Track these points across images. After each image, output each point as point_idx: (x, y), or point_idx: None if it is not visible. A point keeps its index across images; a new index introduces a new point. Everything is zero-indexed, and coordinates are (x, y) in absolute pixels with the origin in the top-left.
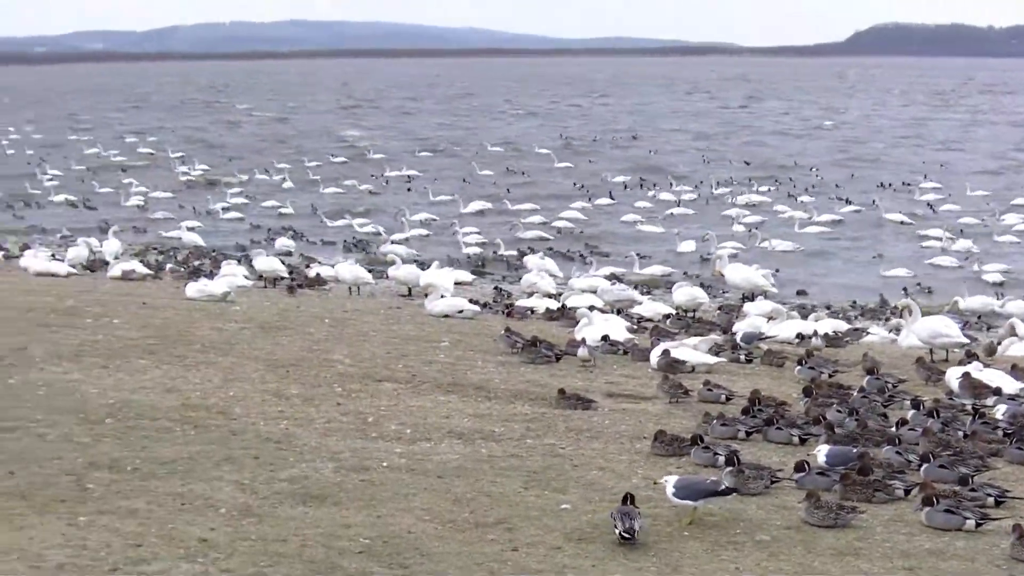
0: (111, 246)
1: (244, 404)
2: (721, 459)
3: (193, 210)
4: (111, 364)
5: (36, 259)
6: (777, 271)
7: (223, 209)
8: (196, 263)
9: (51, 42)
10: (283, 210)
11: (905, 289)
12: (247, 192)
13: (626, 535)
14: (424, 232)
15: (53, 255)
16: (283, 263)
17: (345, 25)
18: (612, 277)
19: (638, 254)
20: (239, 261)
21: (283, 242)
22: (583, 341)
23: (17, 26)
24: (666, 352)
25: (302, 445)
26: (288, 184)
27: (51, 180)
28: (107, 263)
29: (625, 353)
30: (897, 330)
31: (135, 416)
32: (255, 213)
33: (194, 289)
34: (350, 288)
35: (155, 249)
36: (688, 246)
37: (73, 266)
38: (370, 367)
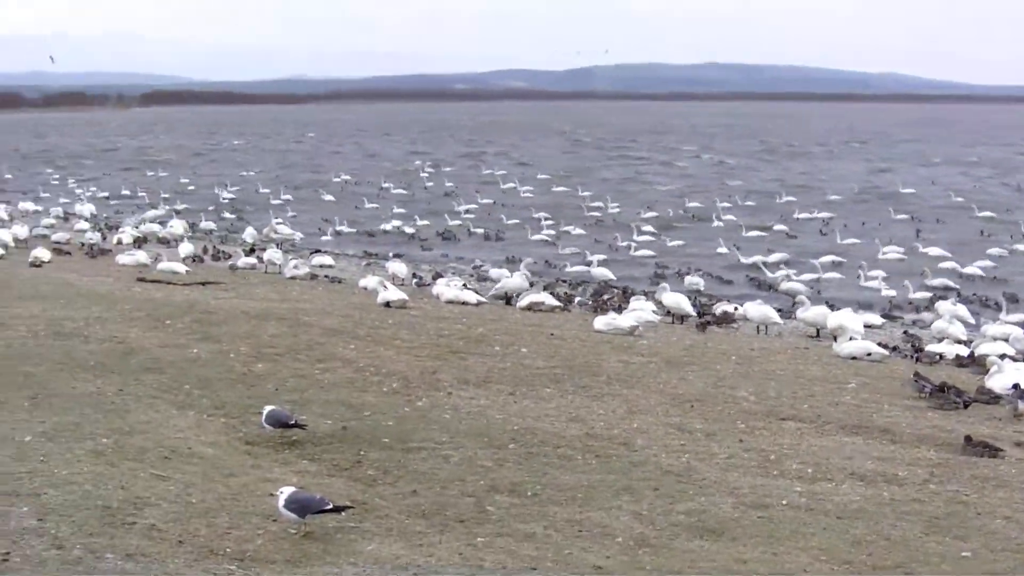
0: (514, 281)
1: (646, 436)
2: None
3: (609, 247)
4: (517, 391)
5: (448, 288)
6: None
7: (633, 246)
8: (605, 297)
9: (473, 79)
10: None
11: None
12: (656, 229)
13: None
14: (834, 275)
15: (464, 284)
16: (690, 300)
17: (762, 69)
18: None
19: None
20: (646, 296)
21: (690, 280)
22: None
23: (441, 64)
24: None
25: (702, 479)
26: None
27: (467, 213)
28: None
29: None
30: None
31: (538, 443)
32: (661, 251)
33: (602, 322)
34: (758, 327)
35: (564, 282)
36: None
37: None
38: (774, 405)
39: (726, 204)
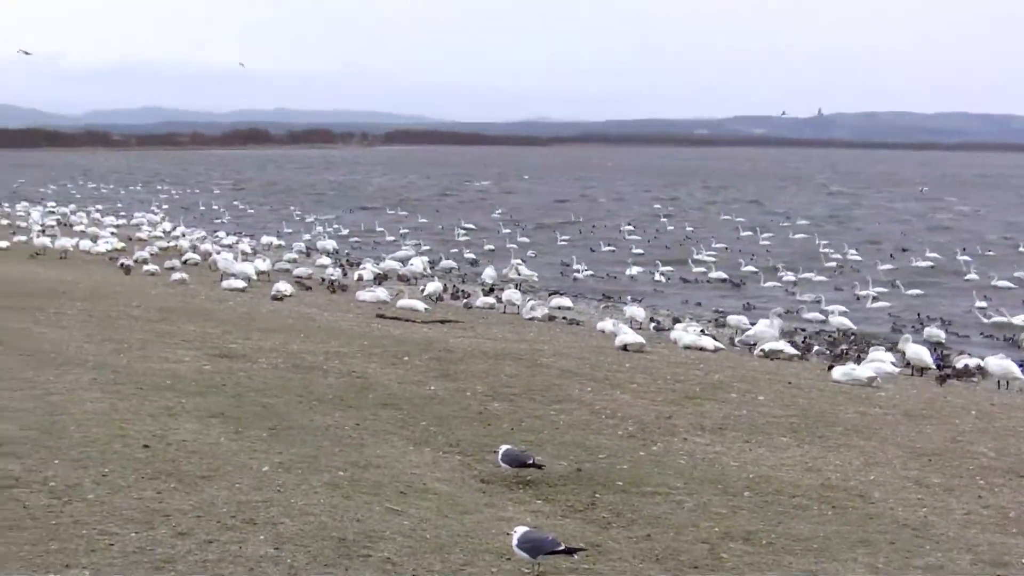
0: (765, 330)
1: (883, 489)
2: None
3: (850, 295)
4: (752, 439)
5: (686, 333)
6: None
7: (872, 297)
8: (842, 347)
9: (713, 125)
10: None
11: None
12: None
13: None
14: None
15: (703, 330)
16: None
17: (1012, 119)
18: None
19: None
20: (887, 348)
21: (931, 331)
22: None
23: (680, 109)
24: None
25: (939, 534)
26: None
27: (705, 258)
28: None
29: None
30: None
31: (773, 491)
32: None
33: (840, 372)
34: (998, 382)
35: (802, 330)
36: None
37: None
38: (1015, 462)
39: (965, 258)
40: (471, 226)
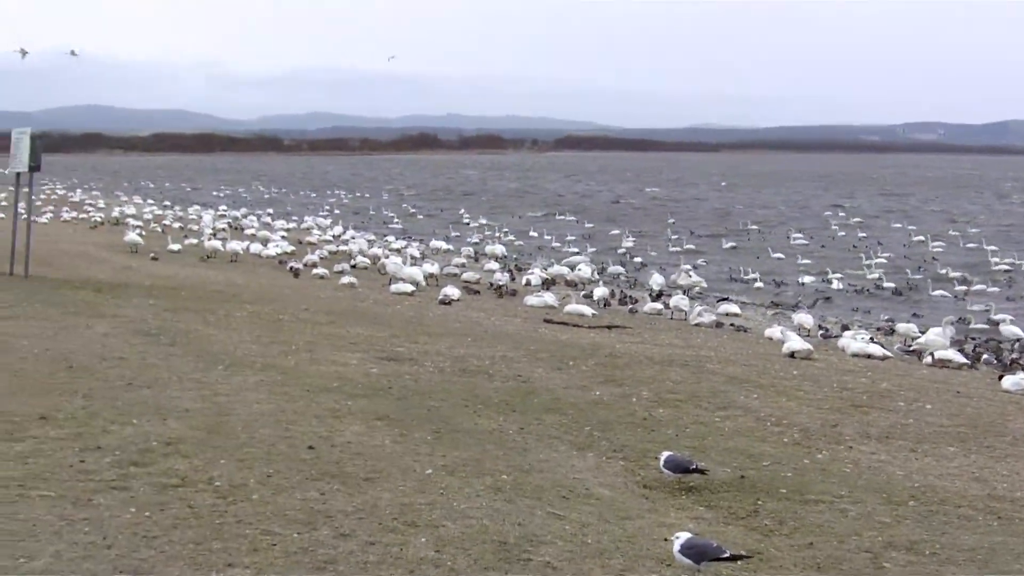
0: (935, 338)
1: None
2: None
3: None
4: (919, 448)
5: (854, 340)
6: None
7: None
8: (1013, 356)
9: (884, 131)
10: None
11: None
12: None
13: None
14: None
15: (871, 338)
16: None
17: None
18: None
19: None
20: None
21: None
22: None
23: (850, 115)
24: None
25: None
26: None
27: (875, 266)
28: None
29: None
30: None
31: (938, 501)
32: None
33: (1011, 382)
34: None
35: (972, 339)
36: None
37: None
38: None
39: None
40: (637, 232)
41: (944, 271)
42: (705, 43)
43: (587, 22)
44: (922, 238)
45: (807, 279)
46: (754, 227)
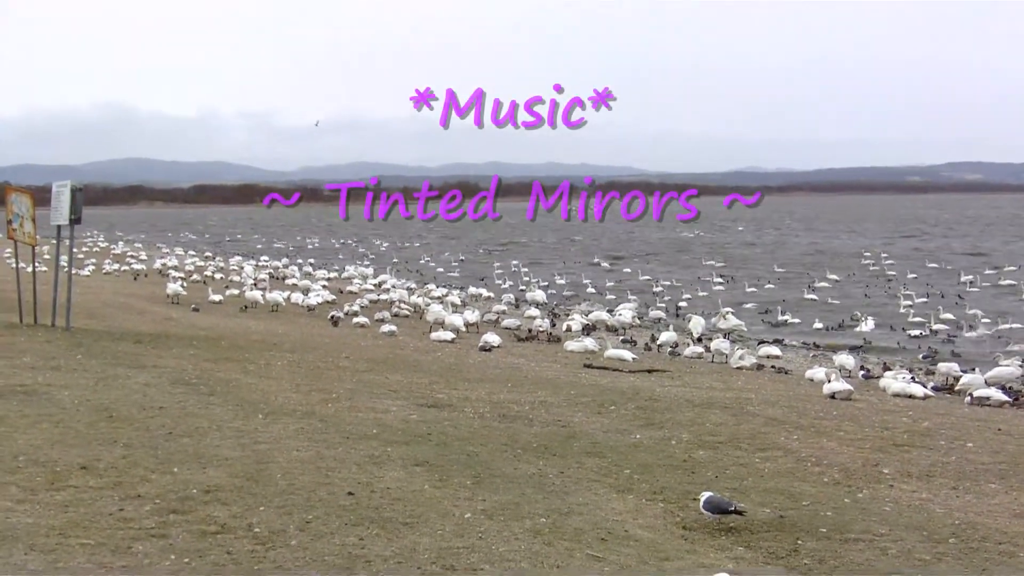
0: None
1: None
2: None
3: None
4: (960, 486)
5: (895, 380)
6: None
7: None
8: None
9: (925, 172)
10: None
11: None
12: None
13: None
14: None
15: (913, 377)
16: None
17: None
18: None
19: None
20: None
21: None
22: None
23: (892, 156)
24: None
25: None
26: None
27: (910, 305)
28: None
29: None
30: None
31: (979, 538)
32: None
33: None
34: None
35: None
36: None
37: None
38: None
39: None
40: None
41: (976, 311)
42: (742, 86)
43: (625, 64)
44: (969, 279)
45: (871, 325)
46: (780, 270)
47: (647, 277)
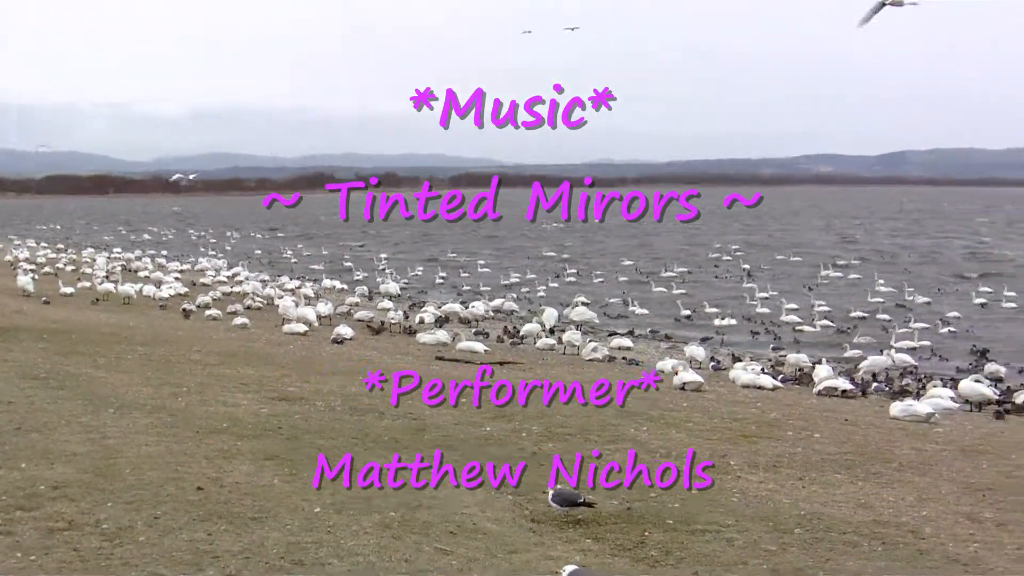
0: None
1: (935, 524)
2: None
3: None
4: (806, 476)
5: (744, 372)
6: None
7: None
8: (903, 383)
9: (780, 164)
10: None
11: None
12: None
13: None
14: None
15: (763, 369)
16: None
17: None
18: None
19: None
20: (944, 384)
21: (992, 367)
22: None
23: (746, 148)
24: None
25: (989, 569)
26: None
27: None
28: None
29: None
30: None
31: (824, 528)
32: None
33: (898, 408)
34: None
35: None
36: None
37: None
38: None
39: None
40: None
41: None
42: (601, 73)
43: (500, 56)
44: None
45: (727, 322)
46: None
47: (488, 270)
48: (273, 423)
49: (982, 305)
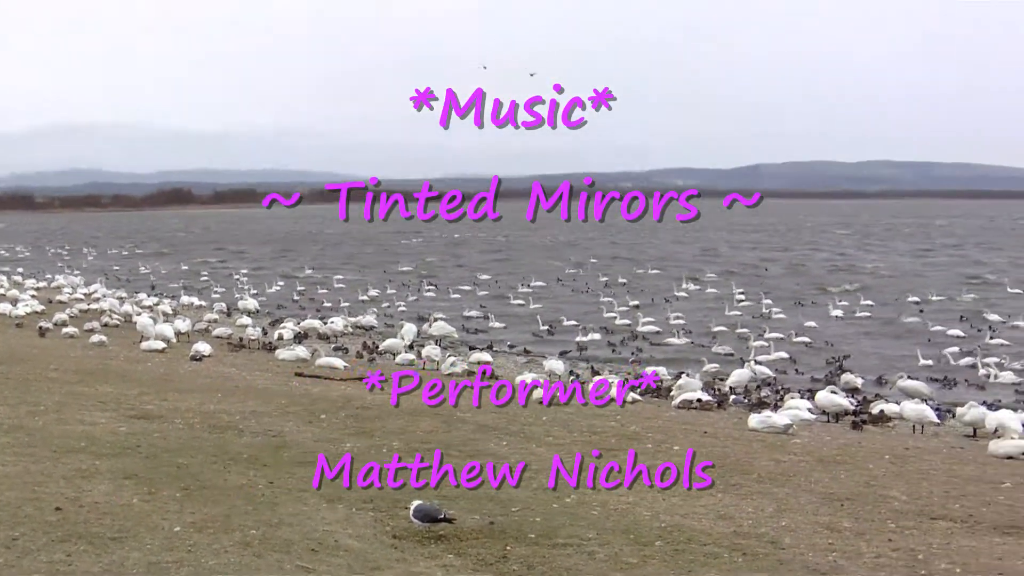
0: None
1: (794, 534)
2: None
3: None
4: (666, 489)
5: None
6: None
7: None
8: (760, 396)
9: (638, 178)
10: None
11: None
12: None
13: None
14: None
15: (624, 381)
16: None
17: (933, 166)
18: None
19: None
20: (801, 395)
21: (847, 378)
22: None
23: (603, 162)
24: None
25: None
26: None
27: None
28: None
29: None
30: None
31: (685, 540)
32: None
33: (757, 420)
34: (914, 426)
35: (720, 379)
36: None
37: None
38: (926, 504)
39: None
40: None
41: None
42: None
43: (364, 76)
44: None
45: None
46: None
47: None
48: (132, 441)
49: (838, 317)
